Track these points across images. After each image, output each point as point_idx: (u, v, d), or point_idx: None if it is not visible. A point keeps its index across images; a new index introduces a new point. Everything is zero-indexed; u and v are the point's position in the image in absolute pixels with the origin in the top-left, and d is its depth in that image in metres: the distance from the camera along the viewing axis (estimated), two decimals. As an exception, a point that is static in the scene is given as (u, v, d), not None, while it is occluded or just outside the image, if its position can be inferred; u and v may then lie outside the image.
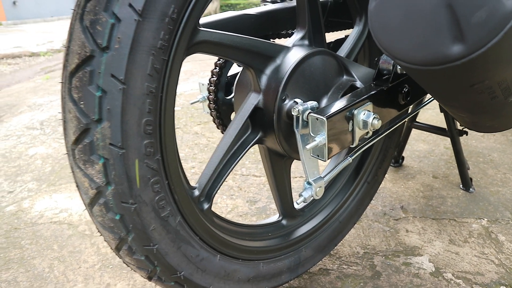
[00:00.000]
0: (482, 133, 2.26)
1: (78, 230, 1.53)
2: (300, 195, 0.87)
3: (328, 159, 0.83)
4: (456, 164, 1.71)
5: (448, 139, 1.77)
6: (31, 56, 6.04)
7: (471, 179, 1.70)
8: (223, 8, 13.79)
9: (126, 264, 0.81)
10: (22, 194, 1.83)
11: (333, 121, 0.80)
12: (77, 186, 0.71)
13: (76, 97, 0.63)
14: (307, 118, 0.82)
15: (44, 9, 13.31)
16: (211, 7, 12.44)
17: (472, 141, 2.18)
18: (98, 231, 0.76)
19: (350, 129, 0.86)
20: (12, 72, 5.08)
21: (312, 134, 0.82)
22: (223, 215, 1.56)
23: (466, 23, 0.54)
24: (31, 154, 2.27)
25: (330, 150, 0.82)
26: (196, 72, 4.16)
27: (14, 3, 12.19)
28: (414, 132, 2.29)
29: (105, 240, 0.77)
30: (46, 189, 1.86)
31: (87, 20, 0.60)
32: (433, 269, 1.25)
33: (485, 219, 1.49)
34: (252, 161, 2.05)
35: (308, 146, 0.80)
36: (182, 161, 2.08)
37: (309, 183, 0.88)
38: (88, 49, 0.60)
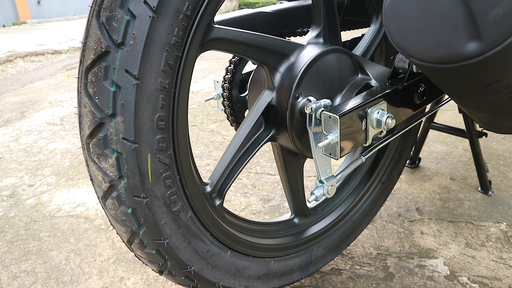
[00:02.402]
0: (503, 135, 2.20)
1: (94, 224, 1.56)
2: (312, 194, 0.87)
3: (340, 157, 0.82)
4: (474, 166, 1.67)
5: (467, 141, 1.73)
6: (53, 54, 6.19)
7: (490, 182, 1.66)
8: (242, 7, 13.82)
9: (138, 258, 0.82)
10: (41, 187, 1.88)
11: (346, 120, 0.80)
12: (91, 179, 0.72)
13: (91, 92, 0.64)
14: (320, 116, 0.82)
15: (67, 8, 13.61)
16: (229, 6, 12.47)
17: (492, 143, 2.13)
18: (111, 224, 0.77)
19: (363, 128, 0.85)
20: (35, 69, 5.21)
21: (324, 132, 0.81)
22: (236, 213, 1.57)
23: (482, 20, 0.53)
24: (51, 149, 2.33)
25: (342, 148, 0.81)
26: (213, 71, 4.19)
27: (38, 2, 12.50)
28: (432, 133, 2.26)
29: (117, 233, 0.78)
30: (64, 183, 1.91)
31: (104, 16, 0.62)
32: (448, 272, 1.23)
33: (504, 223, 1.46)
34: (267, 160, 2.05)
35: (320, 144, 0.80)
36: (197, 159, 2.10)
37: (321, 181, 0.87)
38: (104, 45, 0.61)
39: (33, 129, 2.66)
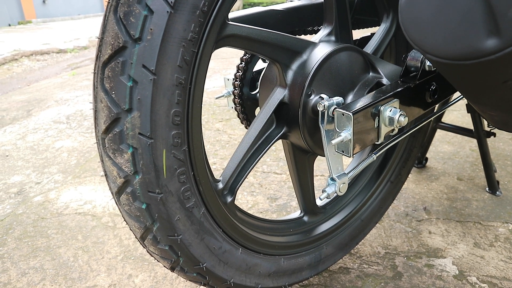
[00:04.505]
0: (511, 136, 2.19)
1: (102, 221, 1.56)
2: (323, 191, 0.87)
3: (353, 155, 0.82)
4: (482, 166, 1.67)
5: (474, 141, 1.73)
6: (58, 53, 6.21)
7: (498, 182, 1.65)
8: (246, 6, 13.81)
9: (150, 254, 0.83)
10: (49, 185, 1.89)
11: (359, 117, 0.80)
12: (106, 175, 0.73)
13: (108, 87, 0.64)
14: (333, 114, 0.82)
15: (72, 7, 13.66)
16: (234, 5, 12.48)
17: (500, 143, 2.12)
18: (124, 220, 0.78)
19: (375, 125, 0.85)
20: (40, 68, 5.23)
21: (337, 130, 0.81)
22: (243, 211, 1.57)
23: (502, 16, 0.53)
24: (57, 147, 2.33)
25: (355, 146, 0.81)
26: (219, 70, 4.19)
27: (43, 1, 12.54)
28: (439, 133, 2.25)
29: (130, 229, 0.78)
30: (71, 181, 1.91)
31: (121, 11, 0.62)
32: (457, 272, 1.22)
33: (512, 224, 1.45)
34: (273, 159, 2.05)
35: (333, 142, 0.80)
36: (203, 157, 2.10)
37: (332, 179, 0.87)
38: (121, 40, 0.62)
39: (39, 127, 2.67)
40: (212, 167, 1.99)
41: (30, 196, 1.79)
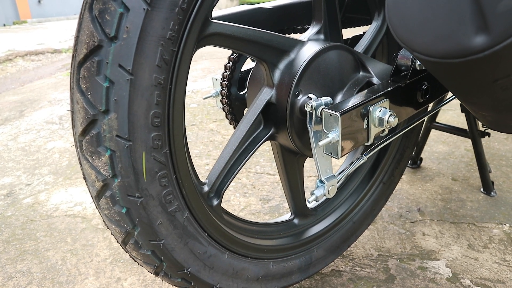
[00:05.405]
0: (505, 135, 2.18)
1: (92, 224, 1.54)
2: (312, 194, 0.84)
3: (341, 157, 0.80)
4: (476, 167, 1.65)
5: (469, 141, 1.70)
6: (53, 53, 6.17)
7: (492, 182, 1.64)
8: (243, 7, 13.77)
9: (133, 259, 0.80)
10: (39, 187, 1.86)
11: (347, 118, 0.77)
12: (85, 178, 0.70)
13: (84, 88, 0.62)
14: (321, 114, 0.80)
15: (68, 7, 13.61)
16: (230, 5, 12.45)
17: (495, 143, 2.10)
18: (105, 224, 0.75)
19: (365, 126, 0.83)
20: (35, 68, 5.19)
21: (325, 131, 0.79)
22: (235, 213, 1.55)
23: (490, 12, 0.50)
24: (49, 148, 2.30)
25: (343, 147, 0.79)
26: (214, 70, 4.16)
27: (39, 1, 12.49)
28: (434, 133, 2.23)
29: (111, 234, 0.76)
30: (62, 182, 1.89)
31: (96, 9, 0.59)
32: (450, 275, 1.20)
33: (507, 225, 1.43)
34: (267, 159, 2.03)
35: (320, 143, 0.77)
36: (196, 158, 2.07)
37: (321, 181, 0.85)
38: (97, 38, 0.59)
39: (31, 128, 2.64)
40: (205, 167, 1.97)
41: (19, 198, 1.76)
